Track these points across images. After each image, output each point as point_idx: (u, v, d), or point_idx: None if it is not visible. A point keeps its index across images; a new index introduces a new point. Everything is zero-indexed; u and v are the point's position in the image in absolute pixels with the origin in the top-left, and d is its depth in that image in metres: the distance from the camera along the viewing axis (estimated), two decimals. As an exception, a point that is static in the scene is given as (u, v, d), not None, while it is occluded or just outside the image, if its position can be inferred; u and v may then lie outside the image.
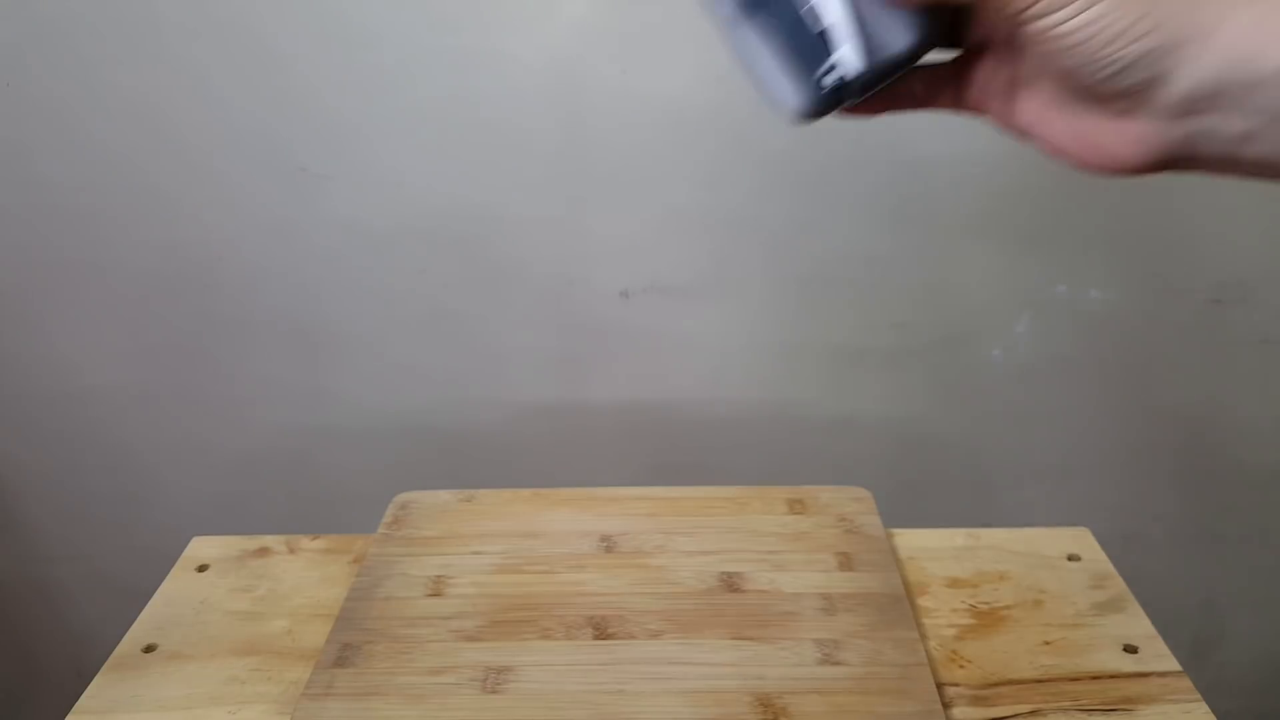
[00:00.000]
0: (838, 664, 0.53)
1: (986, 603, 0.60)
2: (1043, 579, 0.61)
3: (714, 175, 0.79)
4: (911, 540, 0.65)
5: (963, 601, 0.60)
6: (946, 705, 0.52)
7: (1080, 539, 0.65)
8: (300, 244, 0.81)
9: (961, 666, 0.55)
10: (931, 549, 0.64)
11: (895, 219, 0.80)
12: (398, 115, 0.76)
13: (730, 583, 0.59)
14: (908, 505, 0.89)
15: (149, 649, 0.57)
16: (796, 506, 0.66)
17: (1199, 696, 0.52)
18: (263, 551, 0.66)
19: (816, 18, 0.32)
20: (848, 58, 0.32)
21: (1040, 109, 0.33)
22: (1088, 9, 0.29)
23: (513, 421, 0.90)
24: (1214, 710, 0.51)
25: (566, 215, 0.80)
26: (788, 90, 0.33)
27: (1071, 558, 0.63)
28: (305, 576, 0.63)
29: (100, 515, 0.96)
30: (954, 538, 0.65)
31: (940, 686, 0.53)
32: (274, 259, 0.82)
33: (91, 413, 0.90)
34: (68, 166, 0.78)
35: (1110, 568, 0.63)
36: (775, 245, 0.82)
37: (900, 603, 0.57)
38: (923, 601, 0.60)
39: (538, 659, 0.54)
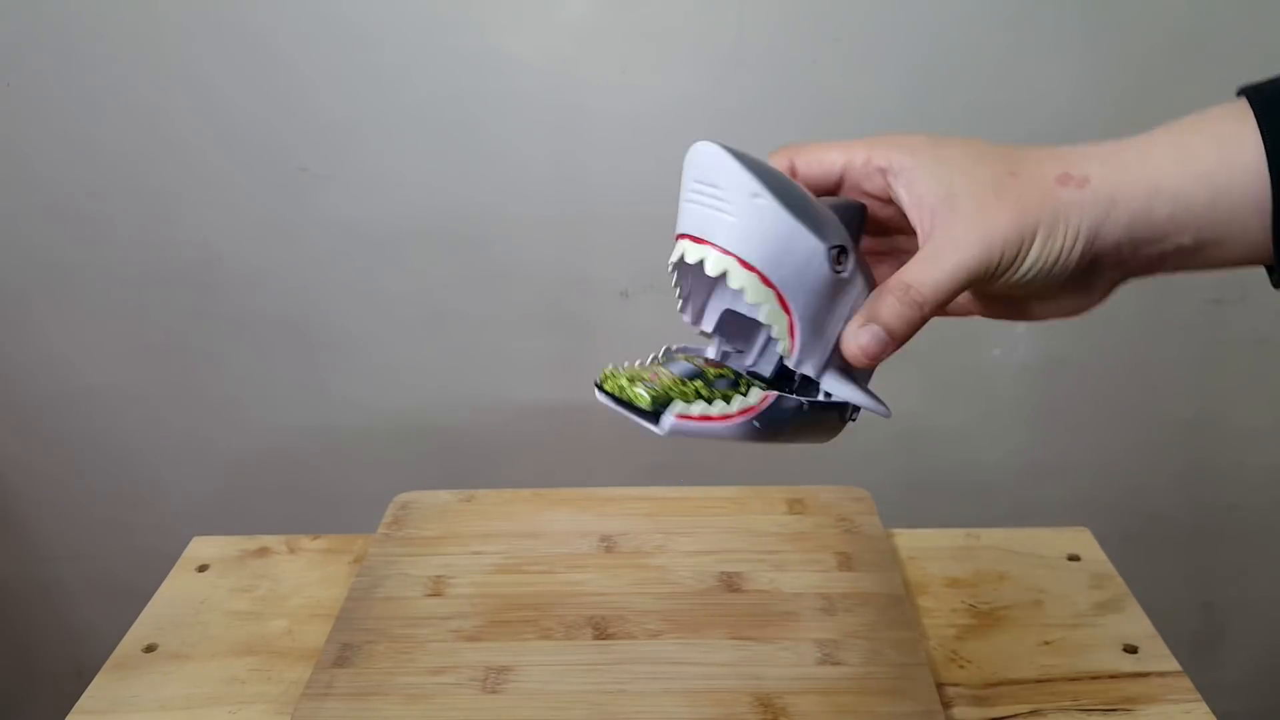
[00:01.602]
0: (837, 664, 0.53)
1: (986, 603, 0.60)
2: (1043, 579, 0.61)
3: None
4: (911, 540, 0.65)
5: (962, 601, 0.60)
6: (946, 705, 0.52)
7: (1080, 539, 0.65)
8: (300, 244, 0.81)
9: (961, 666, 0.55)
10: (931, 549, 0.64)
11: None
12: (398, 115, 0.76)
13: (730, 583, 0.59)
14: (908, 505, 0.89)
15: (149, 649, 0.57)
16: (796, 506, 0.66)
17: (1199, 696, 0.52)
18: (263, 551, 0.66)
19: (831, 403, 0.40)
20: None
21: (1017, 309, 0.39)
22: (1028, 253, 0.34)
23: (513, 421, 0.90)
24: (1214, 710, 0.51)
25: (566, 215, 0.80)
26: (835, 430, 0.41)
27: (1071, 558, 0.63)
28: (305, 576, 0.63)
29: (100, 515, 0.96)
30: (954, 538, 0.65)
31: (940, 686, 0.53)
32: (273, 259, 0.82)
33: (91, 413, 0.90)
34: (67, 166, 0.78)
35: (1110, 568, 0.63)
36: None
37: (900, 603, 0.57)
38: (923, 601, 0.60)
39: (537, 659, 0.54)
